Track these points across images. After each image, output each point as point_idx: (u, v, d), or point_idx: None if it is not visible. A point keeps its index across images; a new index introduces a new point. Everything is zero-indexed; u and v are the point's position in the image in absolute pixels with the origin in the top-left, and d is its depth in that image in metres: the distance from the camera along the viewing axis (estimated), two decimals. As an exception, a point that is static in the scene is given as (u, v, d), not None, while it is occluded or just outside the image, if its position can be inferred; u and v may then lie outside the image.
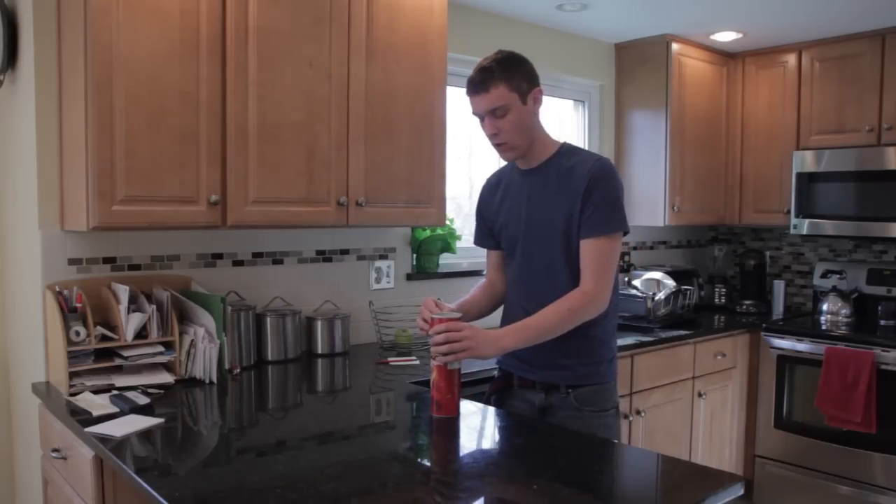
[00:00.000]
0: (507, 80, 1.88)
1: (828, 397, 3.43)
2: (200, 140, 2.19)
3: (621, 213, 1.91)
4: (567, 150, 2.00)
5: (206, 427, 1.96)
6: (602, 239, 1.88)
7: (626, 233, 1.94)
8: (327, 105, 2.46)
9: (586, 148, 3.59)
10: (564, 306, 1.86)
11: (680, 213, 3.95)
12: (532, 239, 2.00)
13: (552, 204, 1.95)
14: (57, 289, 2.17)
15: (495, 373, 2.20)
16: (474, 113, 1.96)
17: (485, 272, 2.26)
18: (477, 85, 1.90)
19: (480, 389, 2.45)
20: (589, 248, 1.89)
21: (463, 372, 2.07)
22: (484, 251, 2.24)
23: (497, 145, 1.96)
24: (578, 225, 1.90)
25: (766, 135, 4.09)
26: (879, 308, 3.75)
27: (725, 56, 4.16)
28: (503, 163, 2.14)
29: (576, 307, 1.86)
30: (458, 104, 3.28)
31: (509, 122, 1.90)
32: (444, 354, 1.80)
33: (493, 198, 2.14)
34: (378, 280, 3.09)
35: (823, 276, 4.04)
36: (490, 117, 1.91)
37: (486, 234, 2.18)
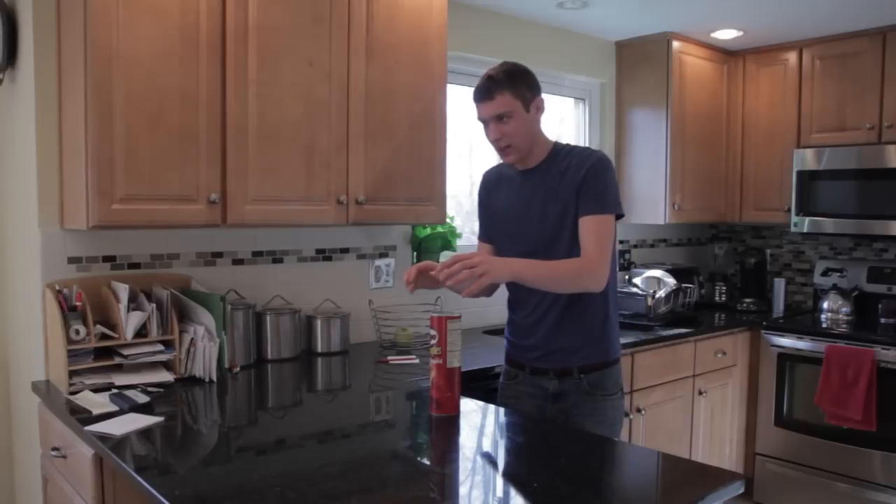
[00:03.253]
0: (511, 88, 1.99)
1: (828, 395, 3.43)
2: (200, 139, 2.19)
3: (616, 196, 2.03)
4: (561, 149, 2.11)
5: (206, 426, 1.96)
6: (599, 216, 1.99)
7: (620, 216, 2.04)
8: (327, 104, 2.46)
9: (587, 146, 3.60)
10: (570, 263, 1.98)
11: (680, 211, 3.94)
12: (529, 233, 2.09)
13: (550, 200, 2.05)
14: (57, 287, 2.17)
15: (503, 366, 2.28)
16: (480, 118, 2.07)
17: None
18: (483, 93, 2.02)
19: (481, 384, 2.45)
20: (587, 225, 1.99)
21: (466, 369, 2.08)
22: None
23: (500, 149, 2.07)
24: (576, 209, 2.00)
25: (767, 133, 4.08)
26: (880, 306, 3.75)
27: (726, 54, 4.15)
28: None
29: (578, 267, 1.96)
30: (458, 102, 3.28)
31: (512, 128, 2.02)
32: (463, 281, 1.85)
33: (495, 192, 2.23)
34: (378, 279, 3.09)
35: (824, 273, 4.04)
36: (495, 123, 2.03)
37: (491, 227, 2.26)
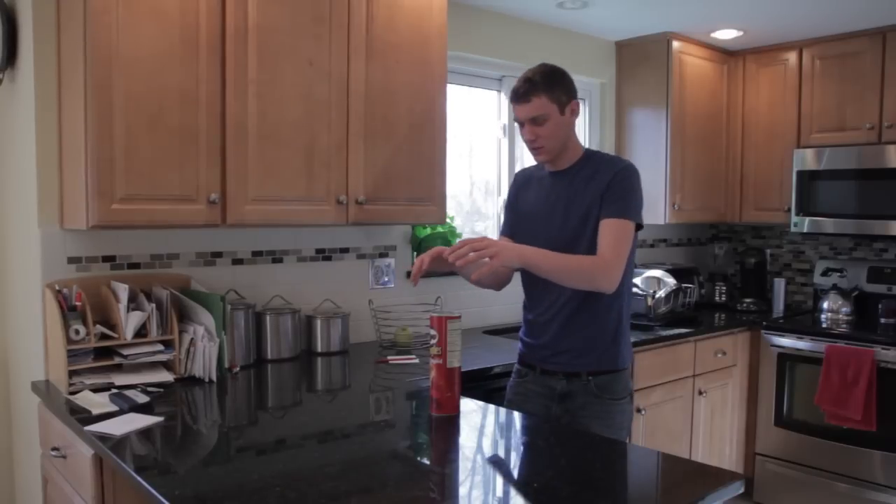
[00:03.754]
0: (548, 91, 2.03)
1: (828, 395, 3.43)
2: (200, 139, 2.19)
3: (639, 205, 2.05)
4: (592, 155, 2.15)
5: (206, 426, 1.96)
6: (619, 220, 2.00)
7: (640, 227, 2.05)
8: (327, 104, 2.46)
9: (586, 146, 3.61)
10: (583, 258, 1.99)
11: (680, 211, 3.94)
12: (549, 234, 2.09)
13: (575, 203, 2.07)
14: (56, 287, 2.17)
15: (515, 366, 2.28)
16: (516, 119, 2.11)
17: None
18: (521, 95, 2.05)
19: (481, 384, 2.45)
20: (606, 227, 2.00)
21: (466, 369, 2.08)
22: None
23: (533, 149, 2.10)
24: (598, 213, 2.02)
25: (767, 133, 4.08)
26: (880, 306, 3.75)
27: (726, 54, 4.15)
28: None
29: (591, 263, 1.97)
30: (458, 102, 3.28)
31: (547, 130, 2.05)
32: (472, 262, 1.84)
33: (524, 192, 2.25)
34: (378, 279, 3.09)
35: (824, 273, 4.04)
36: (530, 124, 2.06)
37: (515, 224, 2.27)
